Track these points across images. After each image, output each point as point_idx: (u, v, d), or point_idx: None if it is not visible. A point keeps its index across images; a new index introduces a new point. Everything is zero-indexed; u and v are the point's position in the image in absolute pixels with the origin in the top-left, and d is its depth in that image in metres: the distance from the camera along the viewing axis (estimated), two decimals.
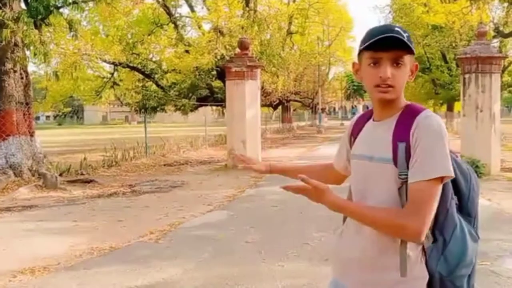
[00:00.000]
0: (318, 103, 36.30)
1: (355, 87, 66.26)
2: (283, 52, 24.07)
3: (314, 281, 4.41)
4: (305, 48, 29.46)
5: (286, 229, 6.36)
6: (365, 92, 56.56)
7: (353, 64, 1.72)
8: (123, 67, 23.46)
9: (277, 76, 22.88)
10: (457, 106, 33.25)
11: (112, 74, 25.82)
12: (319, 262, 4.92)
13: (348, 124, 1.95)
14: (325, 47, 33.44)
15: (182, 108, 23.79)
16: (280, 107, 37.42)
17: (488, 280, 4.23)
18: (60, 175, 11.57)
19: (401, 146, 1.54)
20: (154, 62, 24.99)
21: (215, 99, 23.54)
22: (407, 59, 1.59)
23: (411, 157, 1.53)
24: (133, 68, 23.83)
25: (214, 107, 36.38)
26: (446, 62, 28.15)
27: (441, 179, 1.49)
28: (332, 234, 6.07)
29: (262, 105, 32.20)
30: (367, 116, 1.82)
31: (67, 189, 10.28)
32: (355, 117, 1.93)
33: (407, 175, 1.53)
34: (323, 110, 40.34)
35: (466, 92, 11.71)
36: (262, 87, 22.93)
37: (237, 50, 14.37)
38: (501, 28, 20.07)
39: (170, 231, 6.44)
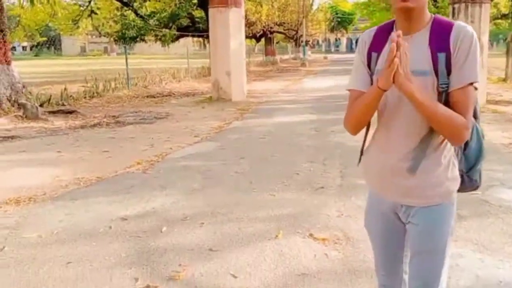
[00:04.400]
0: (302, 35, 35.58)
1: (339, 19, 65.07)
2: None
3: (306, 209, 4.40)
4: None
5: (276, 160, 6.31)
6: (349, 24, 56.14)
7: None
8: None
9: (261, 5, 22.17)
10: None
11: (89, 1, 24.74)
12: (311, 192, 4.90)
13: (360, 41, 1.77)
14: None
15: (162, 38, 23.09)
16: (263, 39, 36.65)
17: (480, 209, 4.26)
18: (41, 105, 11.26)
19: (441, 56, 1.54)
20: None
21: (197, 29, 22.89)
22: None
23: (452, 65, 1.54)
24: None
25: (195, 38, 35.42)
26: None
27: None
28: (321, 164, 6.08)
29: (246, 37, 31.45)
30: (388, 29, 1.69)
31: (48, 119, 10.03)
32: (371, 31, 1.75)
33: (447, 84, 1.55)
34: (307, 42, 39.63)
35: None
36: (246, 17, 22.28)
37: None
38: None
39: (157, 162, 6.35)
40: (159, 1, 21.95)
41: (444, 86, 1.54)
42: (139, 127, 9.29)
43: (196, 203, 4.63)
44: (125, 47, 17.58)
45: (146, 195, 4.89)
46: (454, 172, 1.68)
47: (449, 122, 1.53)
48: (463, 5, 11.21)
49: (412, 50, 1.53)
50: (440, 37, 1.55)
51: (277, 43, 46.50)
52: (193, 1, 22.65)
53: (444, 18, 1.61)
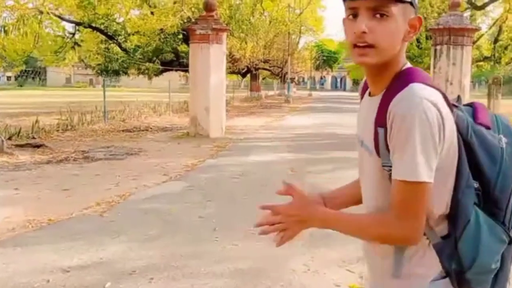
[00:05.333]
0: (287, 72, 35.73)
1: (324, 58, 65.91)
2: (252, 18, 23.30)
3: (270, 263, 3.99)
4: (275, 15, 28.64)
5: (245, 203, 5.91)
6: (334, 62, 56.66)
7: (343, 20, 1.29)
8: (85, 27, 22.34)
9: (246, 42, 22.17)
10: None
11: (73, 34, 24.60)
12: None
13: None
14: (296, 15, 32.67)
15: (145, 72, 22.88)
16: (248, 75, 36.72)
17: None
18: (9, 138, 10.80)
19: (381, 132, 1.21)
20: (118, 23, 23.90)
21: (181, 64, 22.74)
22: (397, 9, 1.19)
23: (389, 146, 1.20)
24: (95, 29, 22.71)
25: (181, 73, 35.39)
26: None
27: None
28: None
29: (230, 72, 31.47)
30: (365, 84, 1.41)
31: (14, 153, 9.54)
32: (363, 82, 1.45)
33: (391, 166, 1.19)
34: (292, 80, 39.82)
35: (436, 64, 11.43)
36: (230, 53, 22.23)
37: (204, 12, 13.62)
38: (473, 0, 19.82)
39: (118, 203, 5.91)
40: (144, 36, 21.84)
41: (387, 169, 1.21)
42: (107, 163, 8.86)
43: (149, 253, 4.19)
44: (103, 79, 17.25)
45: (97, 242, 4.44)
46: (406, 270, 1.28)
47: (366, 233, 1.28)
48: (445, 46, 11.18)
49: (366, 116, 1.30)
50: (385, 107, 1.19)
51: (263, 79, 46.75)
52: (178, 37, 22.59)
53: (413, 75, 1.22)
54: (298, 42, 40.38)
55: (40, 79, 77.81)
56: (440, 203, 1.21)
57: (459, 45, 11.03)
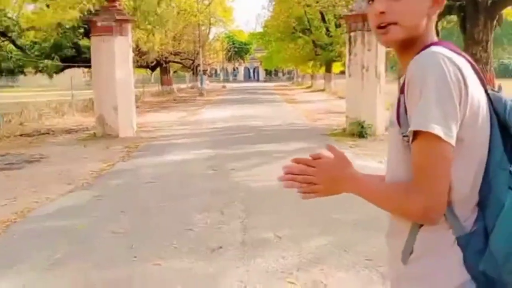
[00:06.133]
0: (199, 65, 34.94)
1: (236, 49, 65.76)
2: (159, 9, 22.22)
3: (200, 282, 3.43)
4: (184, 6, 27.68)
5: (164, 212, 5.26)
6: (246, 53, 57.00)
7: (366, 8, 1.29)
8: None
9: (153, 34, 21.13)
10: (335, 67, 34.12)
11: None
12: (206, 255, 3.93)
13: None
14: (204, 5, 31.92)
15: (45, 69, 21.08)
16: (158, 68, 35.45)
17: None
18: None
19: (401, 98, 1.15)
20: (10, 18, 21.78)
21: (83, 59, 21.17)
22: None
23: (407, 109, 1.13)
24: None
25: (85, 69, 33.30)
26: (325, 22, 28.26)
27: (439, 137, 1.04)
28: (219, 213, 5.14)
29: (138, 66, 30.10)
30: None
31: None
32: None
33: None
34: (204, 72, 39.08)
35: (351, 51, 11.35)
36: (137, 46, 21.09)
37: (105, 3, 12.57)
38: None
39: (14, 223, 5.01)
40: (40, 31, 20.05)
41: (407, 138, 1.13)
42: (3, 174, 7.74)
43: (53, 284, 3.45)
44: None
45: None
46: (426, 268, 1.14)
47: (387, 203, 1.17)
48: (359, 33, 11.10)
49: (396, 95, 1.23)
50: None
51: (174, 72, 45.52)
52: (79, 31, 21.03)
53: (437, 43, 1.17)
54: (208, 34, 39.62)
55: None
56: (463, 182, 1.09)
57: None
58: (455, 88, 1.04)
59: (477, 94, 1.08)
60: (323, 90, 33.79)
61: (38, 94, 28.82)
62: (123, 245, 4.18)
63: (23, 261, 3.89)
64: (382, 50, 11.21)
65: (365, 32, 10.90)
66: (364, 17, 10.79)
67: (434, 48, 1.10)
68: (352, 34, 11.20)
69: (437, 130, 1.03)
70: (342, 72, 35.29)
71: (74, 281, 3.50)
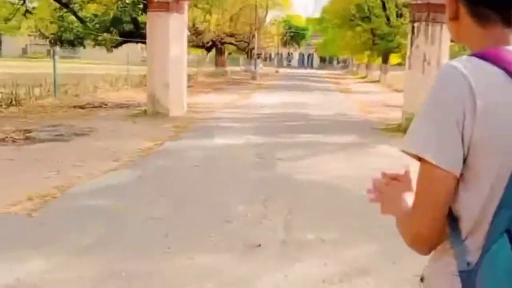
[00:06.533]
0: (254, 48, 34.64)
1: (292, 34, 64.91)
2: None
3: (232, 284, 3.19)
4: None
5: (205, 199, 5.05)
6: (301, 39, 56.31)
7: None
8: None
9: (210, 14, 20.99)
10: (393, 58, 32.97)
11: (24, 0, 22.78)
12: (243, 252, 3.68)
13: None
14: None
15: (103, 43, 21.41)
16: (214, 49, 35.44)
17: None
18: None
19: None
20: None
21: (141, 35, 21.31)
22: None
23: None
24: None
25: (143, 45, 33.75)
26: (385, 11, 27.20)
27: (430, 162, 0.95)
28: (262, 207, 4.88)
29: (194, 46, 30.15)
30: None
31: None
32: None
33: None
34: (259, 55, 38.79)
35: (414, 42, 10.72)
36: (193, 25, 21.06)
37: None
38: None
39: (54, 198, 4.94)
40: (101, 4, 20.36)
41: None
42: (51, 145, 7.80)
43: (79, 272, 3.29)
44: (52, 50, 15.80)
45: (15, 255, 3.50)
46: None
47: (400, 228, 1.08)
48: (423, 24, 10.45)
49: None
50: None
51: (229, 54, 45.43)
52: (138, 6, 21.19)
53: (476, 56, 0.97)
54: (265, 17, 39.19)
55: None
56: (470, 213, 0.98)
57: (438, 23, 10.34)
58: (456, 107, 0.93)
59: (492, 115, 0.92)
60: (378, 82, 32.77)
61: (96, 67, 29.45)
62: (157, 233, 3.99)
63: (54, 243, 3.77)
64: (446, 43, 10.52)
65: (429, 23, 10.25)
66: (429, 7, 10.14)
67: (457, 60, 0.98)
68: (415, 24, 10.55)
69: (419, 150, 0.96)
70: (399, 64, 34.20)
71: (99, 270, 3.33)
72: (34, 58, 65.27)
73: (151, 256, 3.55)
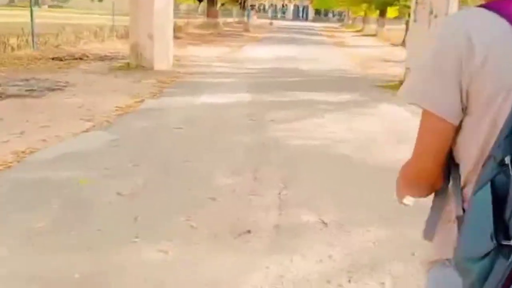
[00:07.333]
0: None
1: None
2: None
3: (214, 285, 2.55)
4: None
5: (186, 170, 4.36)
6: None
7: None
8: None
9: None
10: (390, 12, 31.79)
11: None
12: (228, 241, 3.02)
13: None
14: None
15: None
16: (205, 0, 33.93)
17: None
18: None
19: None
20: None
21: None
22: None
23: None
24: None
25: None
26: None
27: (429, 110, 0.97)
28: (252, 179, 4.20)
29: None
30: None
31: None
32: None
33: None
34: (252, 7, 37.34)
35: None
36: None
37: None
38: None
39: (8, 168, 4.23)
40: None
41: None
42: (19, 102, 7.01)
43: (22, 267, 2.63)
44: None
45: None
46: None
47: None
48: None
49: None
50: None
51: (222, 5, 43.79)
52: None
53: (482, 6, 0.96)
54: None
55: None
56: (468, 159, 0.98)
57: None
58: (452, 56, 0.93)
59: (490, 62, 0.90)
60: (374, 35, 31.77)
61: (84, 16, 28.08)
62: (125, 216, 3.30)
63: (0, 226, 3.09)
64: None
65: None
66: None
67: (462, 11, 1.06)
68: None
69: (418, 100, 0.98)
70: (396, 18, 33.06)
71: (50, 265, 2.67)
72: (22, 7, 62.90)
73: (115, 248, 2.88)
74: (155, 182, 4.00)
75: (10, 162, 4.32)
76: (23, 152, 4.65)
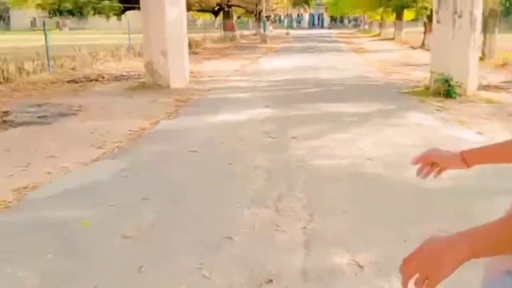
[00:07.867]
0: (262, 10, 32.97)
1: None
2: None
3: None
4: None
5: (200, 202, 3.93)
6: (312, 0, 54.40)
7: None
8: None
9: None
10: (406, 14, 31.12)
11: None
12: None
13: None
14: None
15: (101, 11, 20.09)
16: (221, 13, 33.77)
17: None
18: None
19: None
20: None
21: None
22: None
23: None
24: None
25: None
26: None
27: None
28: (274, 211, 3.69)
29: (200, 10, 28.63)
30: None
31: None
32: None
33: None
34: (268, 18, 37.08)
35: None
36: None
37: None
38: None
39: (7, 208, 3.87)
40: None
41: None
42: (30, 130, 6.72)
43: None
44: (43, 21, 14.56)
45: None
46: None
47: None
48: None
49: None
50: None
51: (238, 17, 43.71)
52: None
53: None
54: None
55: (4, 22, 72.83)
56: None
57: None
58: None
59: None
60: (392, 39, 31.17)
61: (102, 37, 28.20)
62: (129, 265, 2.87)
63: None
64: None
65: None
66: None
67: None
68: None
69: None
70: (414, 20, 32.33)
71: None
72: (42, 30, 63.85)
73: None
74: (165, 219, 3.58)
75: (10, 202, 3.97)
76: (25, 188, 4.30)
